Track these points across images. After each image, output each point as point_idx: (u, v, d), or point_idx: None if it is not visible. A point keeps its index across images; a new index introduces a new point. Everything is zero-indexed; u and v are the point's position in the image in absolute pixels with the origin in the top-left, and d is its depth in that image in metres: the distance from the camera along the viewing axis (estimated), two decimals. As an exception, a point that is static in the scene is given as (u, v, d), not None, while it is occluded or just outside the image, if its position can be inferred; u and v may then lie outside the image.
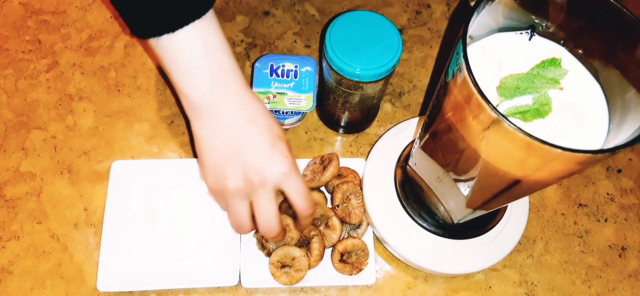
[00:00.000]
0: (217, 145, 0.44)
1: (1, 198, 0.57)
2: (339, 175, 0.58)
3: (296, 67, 0.58)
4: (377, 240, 0.57)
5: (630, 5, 0.37)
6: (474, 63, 0.34)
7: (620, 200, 0.62)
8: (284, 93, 0.57)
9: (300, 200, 0.46)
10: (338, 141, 0.63)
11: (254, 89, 0.57)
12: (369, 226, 0.57)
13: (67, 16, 0.69)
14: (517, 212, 0.55)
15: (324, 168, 0.57)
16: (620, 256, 0.59)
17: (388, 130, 0.60)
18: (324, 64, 0.53)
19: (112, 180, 0.57)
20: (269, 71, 0.58)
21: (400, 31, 0.71)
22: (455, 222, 0.52)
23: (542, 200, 0.61)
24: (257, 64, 0.58)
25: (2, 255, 0.54)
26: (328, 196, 0.59)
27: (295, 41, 0.69)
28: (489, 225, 0.54)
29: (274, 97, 0.57)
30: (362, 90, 0.53)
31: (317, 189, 0.58)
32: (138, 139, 0.61)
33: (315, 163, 0.59)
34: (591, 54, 0.39)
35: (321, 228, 0.55)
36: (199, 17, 0.42)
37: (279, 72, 0.58)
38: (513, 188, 0.39)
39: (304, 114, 0.61)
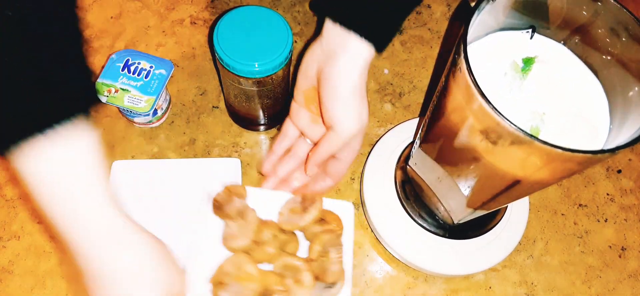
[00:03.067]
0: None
1: (2, 198, 0.57)
2: (320, 219, 0.50)
3: (151, 67, 0.58)
4: (377, 240, 0.57)
5: (630, 5, 0.37)
6: (475, 63, 0.34)
7: (620, 201, 0.62)
8: (127, 90, 0.56)
9: None
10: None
11: (100, 80, 0.56)
12: (344, 287, 0.48)
13: (68, 16, 0.69)
14: (517, 212, 0.55)
15: (304, 209, 0.49)
16: (620, 256, 0.59)
17: (388, 130, 0.60)
18: (223, 70, 0.52)
19: (113, 180, 0.57)
20: (122, 65, 0.57)
21: (401, 31, 0.71)
22: (455, 222, 0.52)
23: (542, 200, 0.61)
24: (113, 56, 0.58)
25: (3, 255, 0.54)
26: (305, 243, 0.51)
27: (296, 41, 0.69)
28: (489, 225, 0.54)
29: (116, 91, 0.56)
30: (263, 85, 0.52)
31: (292, 233, 0.51)
32: (138, 139, 0.61)
33: (295, 201, 0.51)
34: (592, 53, 0.39)
35: (288, 281, 0.47)
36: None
37: (132, 68, 0.58)
38: (513, 188, 0.39)
39: (157, 115, 0.61)
